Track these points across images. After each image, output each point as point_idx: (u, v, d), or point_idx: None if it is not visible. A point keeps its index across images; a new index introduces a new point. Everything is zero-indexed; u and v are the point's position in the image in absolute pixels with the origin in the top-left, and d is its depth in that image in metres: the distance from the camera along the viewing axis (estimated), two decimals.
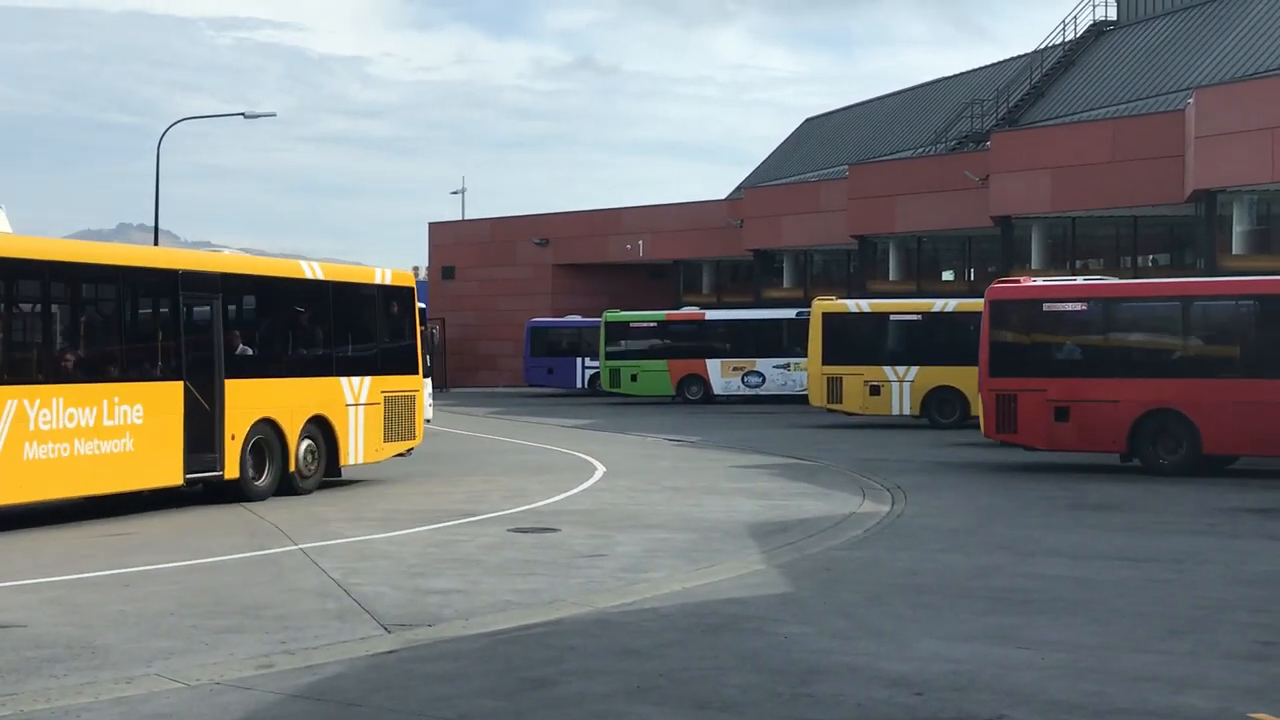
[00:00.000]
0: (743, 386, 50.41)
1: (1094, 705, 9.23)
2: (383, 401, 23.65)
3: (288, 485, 21.71)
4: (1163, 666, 10.35)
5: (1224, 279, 30.49)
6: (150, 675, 10.22)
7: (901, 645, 11.08)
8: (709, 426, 39.18)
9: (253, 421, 20.99)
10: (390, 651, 11.07)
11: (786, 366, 49.58)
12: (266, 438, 21.30)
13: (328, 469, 22.73)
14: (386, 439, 23.91)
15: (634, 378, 51.56)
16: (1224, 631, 11.63)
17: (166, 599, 13.22)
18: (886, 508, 20.29)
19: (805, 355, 47.15)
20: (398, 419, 24.09)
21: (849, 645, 11.08)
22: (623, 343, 52.69)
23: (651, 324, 52.87)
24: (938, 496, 21.87)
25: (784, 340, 49.96)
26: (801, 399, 48.05)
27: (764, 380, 50.01)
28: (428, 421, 31.19)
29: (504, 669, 10.37)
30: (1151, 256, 47.39)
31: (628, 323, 53.47)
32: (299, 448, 21.90)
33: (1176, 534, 17.78)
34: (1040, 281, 27.77)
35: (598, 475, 24.99)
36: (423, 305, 34.10)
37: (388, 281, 24.49)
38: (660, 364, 51.47)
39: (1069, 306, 26.08)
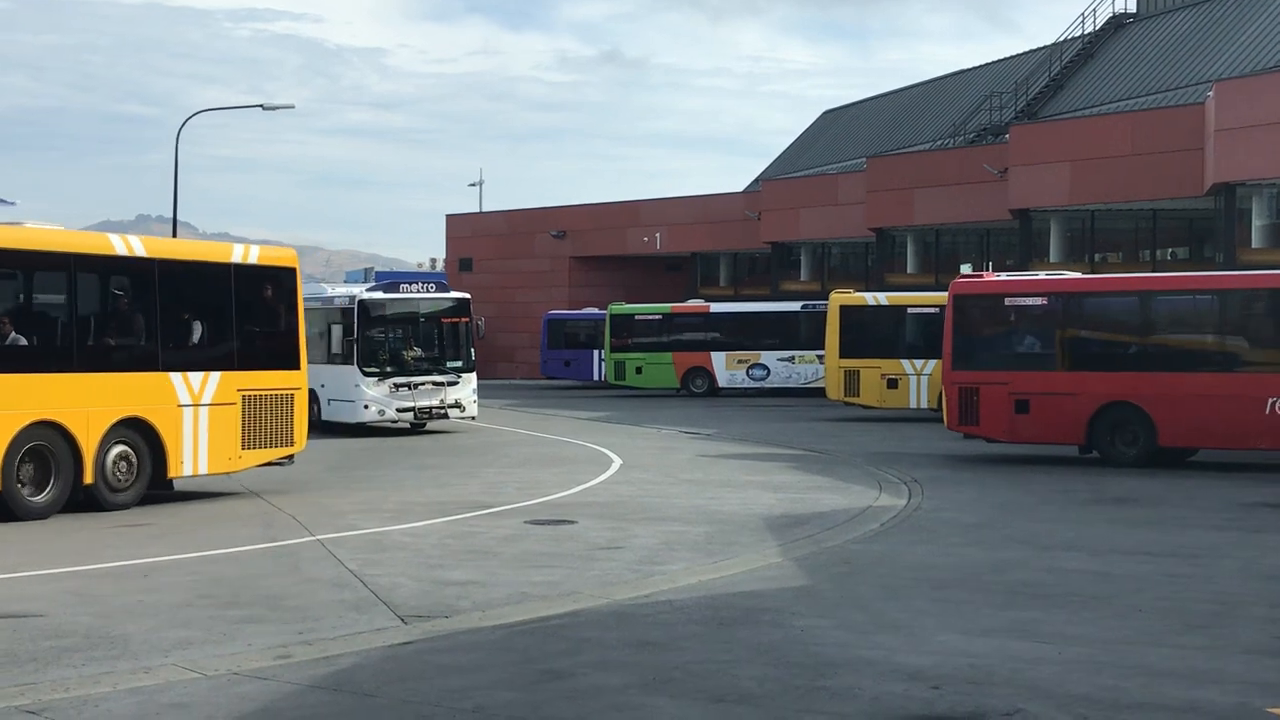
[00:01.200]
0: (748, 380, 50.36)
1: (1111, 700, 9.20)
2: (240, 402, 20.40)
3: (91, 500, 18.64)
4: (1180, 661, 10.32)
5: (1179, 274, 31.12)
6: (168, 665, 10.24)
7: (918, 639, 11.07)
8: (723, 419, 39.16)
9: (23, 425, 17.75)
10: (407, 643, 11.08)
11: (791, 359, 49.57)
12: (50, 444, 18.10)
13: (154, 480, 19.53)
14: (247, 445, 20.60)
15: (639, 370, 51.52)
16: (1242, 626, 11.60)
17: (184, 589, 13.26)
18: (904, 501, 20.27)
19: (810, 348, 47.40)
20: (264, 422, 20.78)
21: (866, 639, 11.07)
22: (628, 335, 52.62)
23: (656, 316, 52.77)
24: (955, 490, 21.83)
25: (789, 333, 49.96)
26: (807, 392, 48.15)
27: (769, 373, 49.99)
28: (472, 419, 33.58)
29: (521, 660, 10.38)
30: (1171, 250, 47.21)
31: (632, 315, 53.36)
32: (103, 456, 18.67)
33: (1195, 528, 17.73)
34: (1003, 276, 28.32)
35: (614, 468, 24.99)
36: (465, 295, 34.79)
37: (253, 260, 21.24)
38: (665, 357, 51.40)
39: (1029, 301, 26.50)
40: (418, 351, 33.46)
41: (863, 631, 11.37)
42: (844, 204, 54.31)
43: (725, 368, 50.51)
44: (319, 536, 16.63)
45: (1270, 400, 23.54)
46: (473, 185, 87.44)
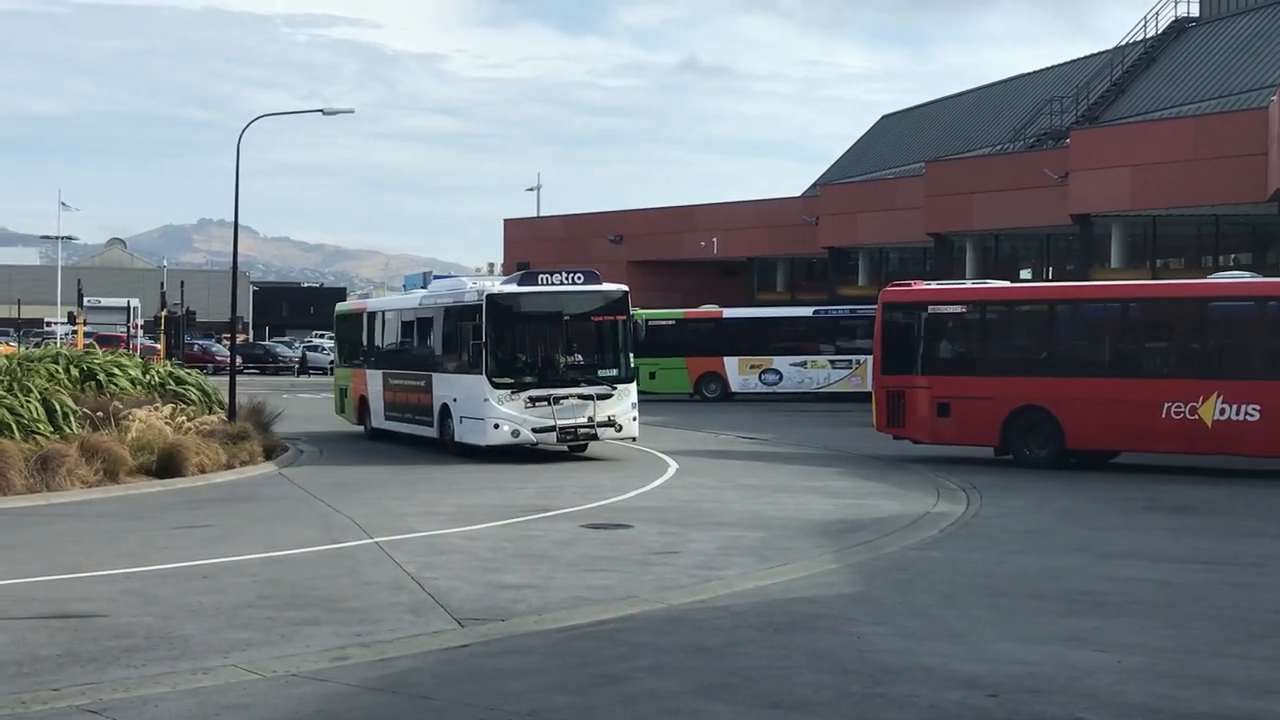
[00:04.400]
0: (760, 384, 50.32)
1: (1171, 710, 9.13)
2: None
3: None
4: (1242, 671, 10.22)
5: (1090, 284, 31.96)
6: (227, 666, 10.34)
7: (976, 646, 11.01)
8: (779, 425, 39.06)
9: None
10: (463, 645, 11.13)
11: (804, 364, 49.57)
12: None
13: None
14: None
15: (652, 375, 51.33)
16: None
17: (244, 591, 13.37)
18: (961, 508, 20.16)
19: (821, 354, 48.08)
20: None
21: (923, 646, 11.03)
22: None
23: (670, 322, 52.60)
24: (1013, 497, 21.69)
25: (801, 338, 50.01)
26: (818, 397, 48.27)
27: (781, 378, 49.96)
28: (631, 440, 27.61)
29: (576, 664, 10.40)
30: (1233, 256, 46.73)
31: (646, 321, 53.39)
32: None
33: (1256, 537, 17.54)
34: (932, 285, 29.44)
35: (670, 472, 24.98)
36: (623, 287, 28.34)
37: None
38: (678, 361, 51.26)
39: (951, 309, 27.60)
40: (562, 357, 27.43)
41: (920, 638, 11.32)
42: (902, 209, 54.06)
43: (738, 372, 50.46)
44: (377, 539, 16.72)
45: (1166, 405, 24.34)
46: (530, 190, 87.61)
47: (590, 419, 26.50)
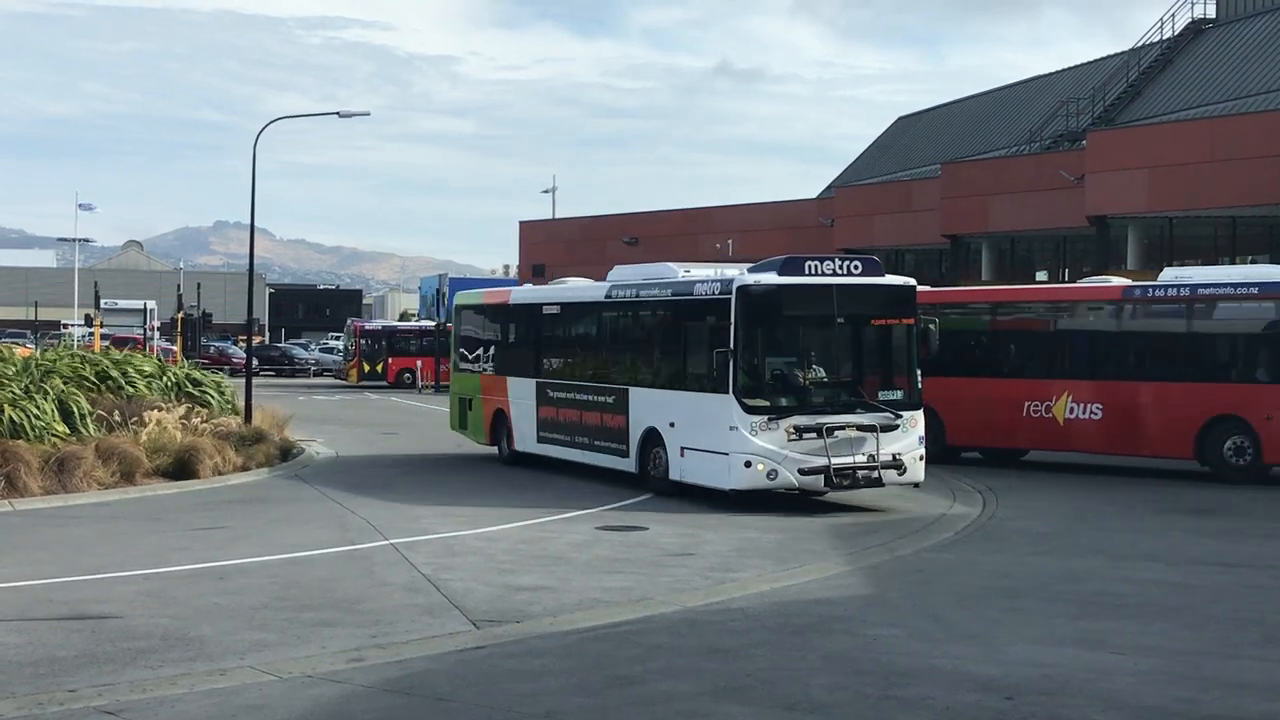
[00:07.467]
0: None
1: (1188, 712, 9.10)
2: None
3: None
4: (1260, 673, 10.19)
5: (961, 289, 33.46)
6: (243, 667, 10.35)
7: (992, 649, 11.00)
8: None
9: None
10: (479, 647, 11.14)
11: None
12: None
13: None
14: None
15: None
16: None
17: (260, 592, 13.39)
18: (977, 510, 20.13)
19: None
20: None
21: (938, 648, 11.01)
22: None
23: None
24: (1030, 499, 21.65)
25: None
26: None
27: None
28: (915, 485, 20.71)
29: (592, 666, 10.41)
30: (1250, 257, 46.60)
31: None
32: None
33: (1273, 539, 17.50)
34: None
35: None
36: (909, 280, 21.40)
37: None
38: None
39: None
40: (827, 374, 20.56)
41: (935, 641, 11.30)
42: (918, 210, 53.98)
43: None
44: (393, 540, 16.74)
45: (1026, 403, 26.22)
46: (546, 192, 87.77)
47: (871, 457, 19.78)
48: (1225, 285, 24.29)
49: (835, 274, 20.19)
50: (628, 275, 24.35)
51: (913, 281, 21.35)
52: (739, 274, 20.47)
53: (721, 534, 17.48)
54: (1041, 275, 52.57)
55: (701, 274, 21.86)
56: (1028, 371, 26.80)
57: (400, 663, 10.59)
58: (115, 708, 9.24)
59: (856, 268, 20.41)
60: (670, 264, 23.59)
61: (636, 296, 23.11)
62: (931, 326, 21.50)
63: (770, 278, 20.04)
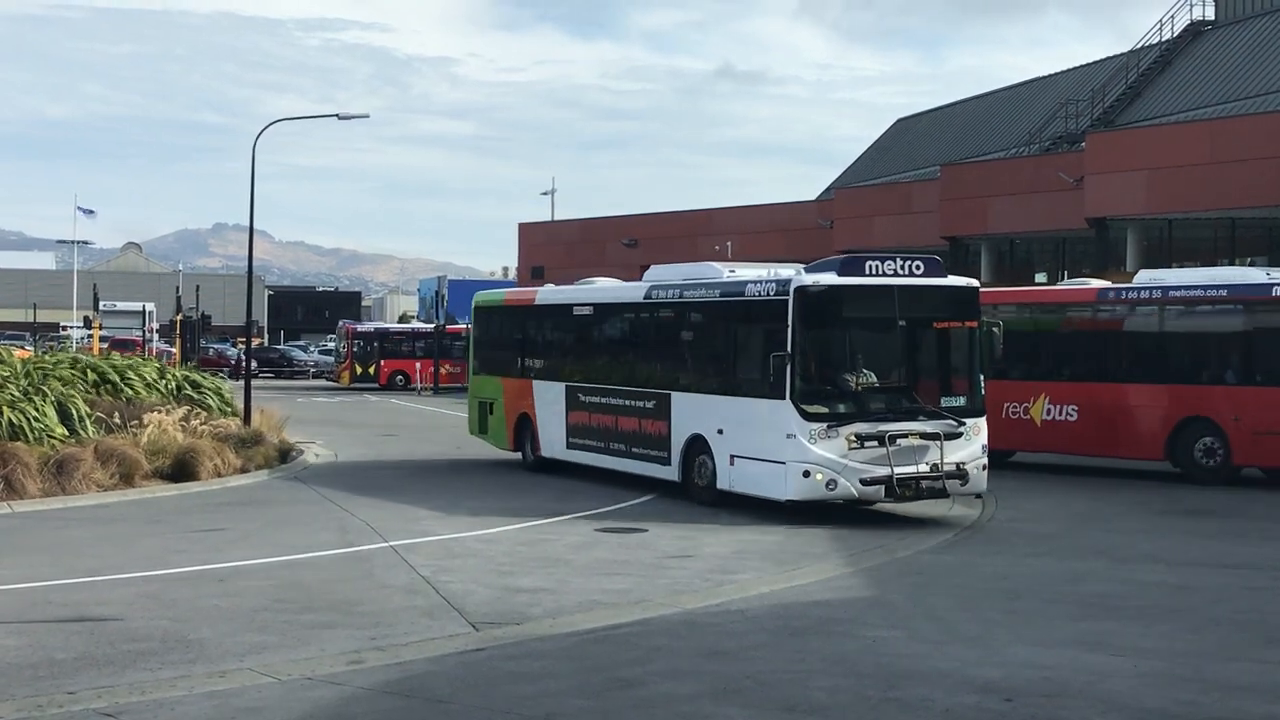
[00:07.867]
0: None
1: (1188, 714, 9.09)
2: None
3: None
4: (1261, 676, 10.18)
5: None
6: (243, 670, 10.35)
7: (991, 651, 10.99)
8: None
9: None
10: (478, 649, 11.13)
11: None
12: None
13: None
14: None
15: None
16: None
17: (259, 594, 13.38)
18: (977, 512, 20.11)
19: None
20: None
21: (938, 650, 11.00)
22: None
23: None
24: (1029, 500, 21.65)
25: None
26: None
27: None
28: (976, 495, 19.81)
29: (591, 668, 10.40)
30: (1250, 259, 46.62)
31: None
32: None
33: (1274, 540, 17.49)
34: None
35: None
36: (972, 281, 20.54)
37: None
38: None
39: None
40: (887, 379, 19.57)
41: (935, 643, 11.29)
42: (918, 212, 53.97)
43: None
44: (392, 542, 16.73)
45: (1005, 405, 25.75)
46: (545, 194, 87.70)
47: (934, 466, 18.91)
48: (1195, 288, 24.44)
49: (897, 274, 19.33)
50: (667, 275, 23.53)
51: (976, 283, 20.53)
52: (795, 274, 19.62)
53: (720, 536, 17.48)
54: (1041, 277, 52.60)
55: (749, 274, 20.99)
56: (1008, 373, 26.33)
57: (400, 665, 10.59)
58: (114, 710, 9.23)
59: (918, 268, 19.50)
60: (713, 263, 23.08)
61: (679, 297, 22.20)
62: (995, 330, 20.44)
63: (830, 278, 19.16)
